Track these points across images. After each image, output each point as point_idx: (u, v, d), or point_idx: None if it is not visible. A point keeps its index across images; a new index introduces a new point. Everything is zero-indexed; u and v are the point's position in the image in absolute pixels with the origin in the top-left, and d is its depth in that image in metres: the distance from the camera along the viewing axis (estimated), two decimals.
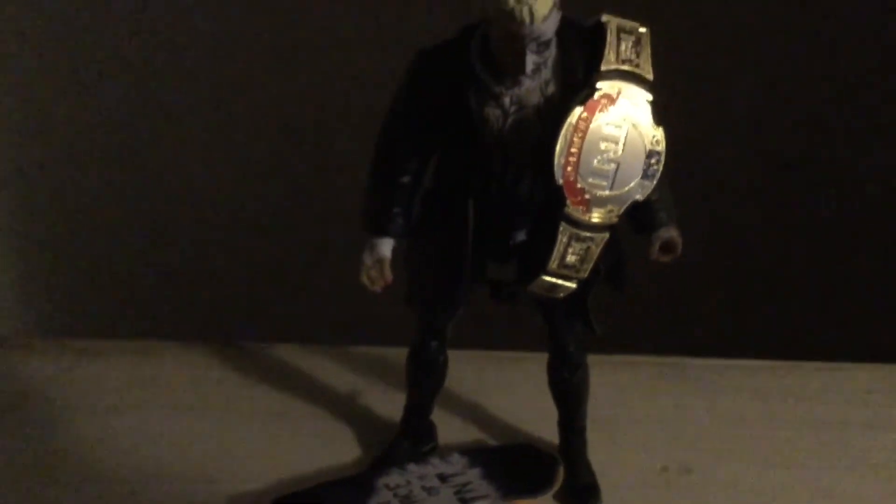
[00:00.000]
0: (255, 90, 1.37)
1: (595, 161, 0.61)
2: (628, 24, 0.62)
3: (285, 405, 0.85)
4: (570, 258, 0.64)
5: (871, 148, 1.42)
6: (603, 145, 0.61)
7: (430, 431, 0.79)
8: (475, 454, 0.78)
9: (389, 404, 0.83)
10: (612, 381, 0.88)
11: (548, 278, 0.64)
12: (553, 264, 0.64)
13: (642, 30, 0.62)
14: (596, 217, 0.63)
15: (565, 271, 0.64)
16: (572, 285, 0.65)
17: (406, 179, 0.65)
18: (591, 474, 0.77)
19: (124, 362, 0.90)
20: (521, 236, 0.67)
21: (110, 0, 1.36)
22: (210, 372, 0.89)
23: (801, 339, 1.12)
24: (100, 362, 0.90)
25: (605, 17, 0.62)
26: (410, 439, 0.78)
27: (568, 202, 0.62)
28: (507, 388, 0.87)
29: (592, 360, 0.77)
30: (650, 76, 0.61)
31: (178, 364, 0.89)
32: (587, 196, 0.62)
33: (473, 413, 0.85)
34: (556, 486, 0.76)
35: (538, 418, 0.81)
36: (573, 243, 0.63)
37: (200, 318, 1.35)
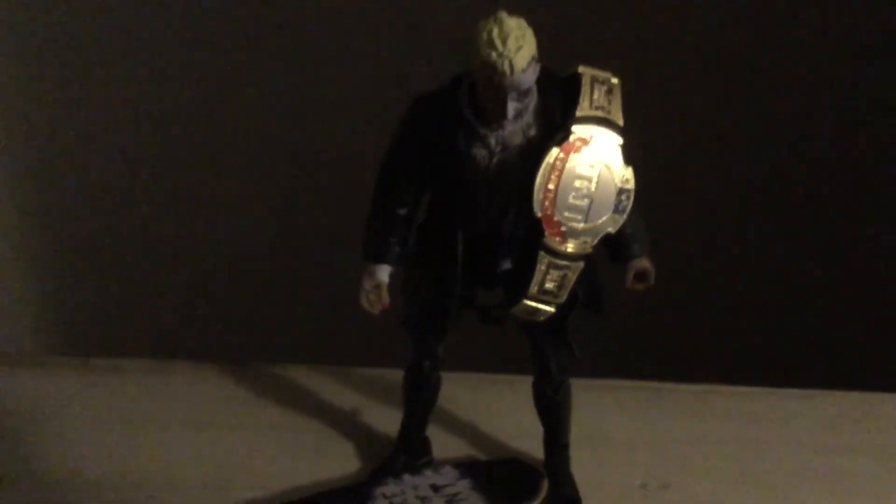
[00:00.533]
0: (267, 108, 1.42)
1: (570, 197, 0.68)
2: (602, 74, 0.69)
3: (291, 421, 0.91)
4: (549, 284, 0.70)
5: (846, 182, 1.49)
6: (577, 183, 0.68)
7: (425, 446, 0.86)
8: (466, 467, 0.84)
9: (388, 421, 0.89)
10: (596, 403, 0.94)
11: (529, 303, 0.71)
12: (533, 290, 0.70)
13: (614, 80, 0.69)
14: (571, 247, 0.70)
15: (544, 297, 0.71)
16: (551, 309, 0.71)
17: (402, 212, 0.72)
18: (574, 488, 0.83)
19: (138, 379, 0.97)
20: (506, 265, 0.73)
21: (111, 8, 1.40)
22: (220, 390, 0.95)
23: (777, 366, 1.18)
24: (115, 378, 0.97)
25: (581, 69, 0.69)
26: (406, 453, 0.84)
27: (546, 234, 0.69)
28: (497, 408, 0.93)
29: (577, 383, 0.83)
30: (620, 122, 0.68)
31: (189, 381, 0.96)
32: (563, 228, 0.69)
33: (466, 430, 0.91)
34: (541, 498, 0.82)
35: (525, 436, 0.87)
36: (551, 271, 0.70)
37: (210, 338, 1.41)
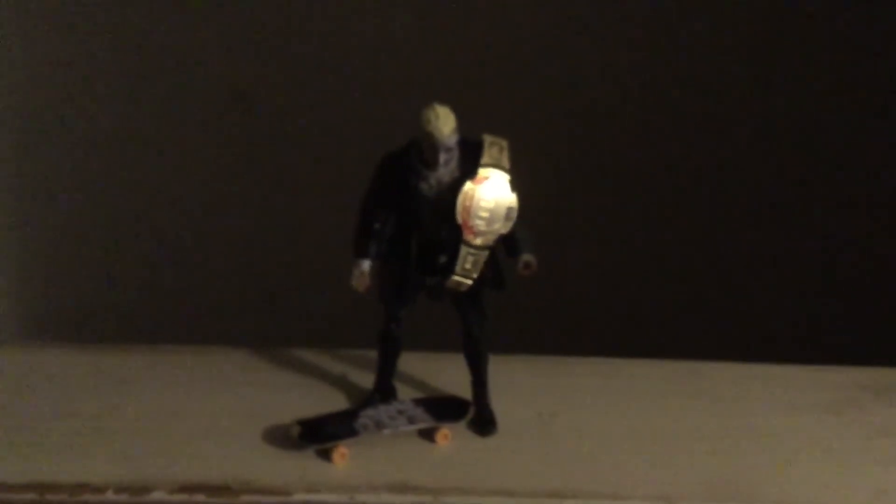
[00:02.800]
0: (265, 100, 1.67)
1: (478, 211, 1.14)
2: (498, 140, 1.15)
3: (296, 380, 1.34)
4: (467, 265, 1.15)
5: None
6: (482, 203, 1.14)
7: (392, 391, 1.29)
8: (420, 400, 1.27)
9: (368, 383, 1.32)
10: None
11: (455, 277, 1.16)
12: (458, 269, 1.15)
13: (504, 142, 1.15)
14: (480, 241, 1.15)
15: (464, 273, 1.15)
16: (469, 282, 1.16)
17: (377, 227, 1.17)
18: (491, 412, 1.26)
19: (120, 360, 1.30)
20: (443, 259, 1.18)
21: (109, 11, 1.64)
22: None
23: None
24: (104, 361, 1.29)
25: (484, 136, 1.15)
26: (380, 392, 1.28)
27: (464, 233, 1.14)
28: (442, 377, 1.36)
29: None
30: (507, 166, 1.14)
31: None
32: (474, 229, 1.14)
33: (421, 387, 1.35)
34: (468, 417, 1.25)
35: (461, 388, 1.31)
36: (468, 256, 1.15)
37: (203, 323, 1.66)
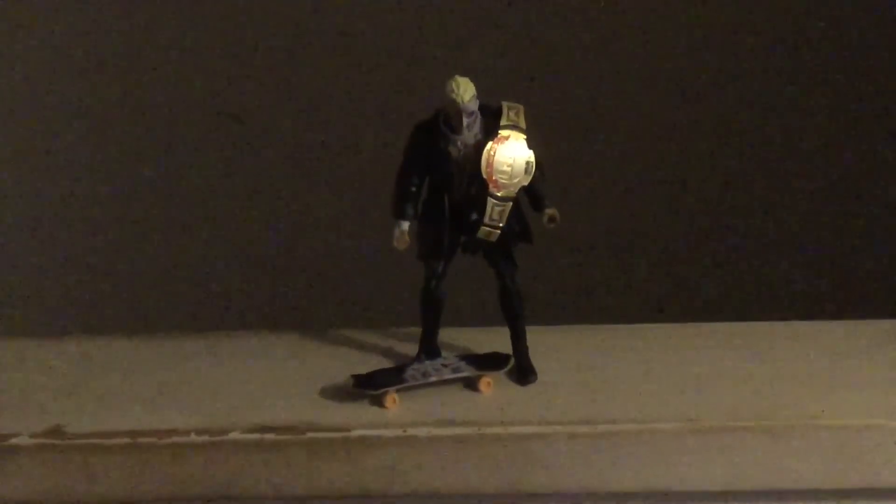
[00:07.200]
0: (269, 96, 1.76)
1: (500, 166, 1.28)
2: (514, 104, 1.30)
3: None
4: (494, 216, 1.29)
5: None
6: (503, 159, 1.28)
7: (437, 351, 1.41)
8: (463, 356, 1.39)
9: (412, 351, 1.43)
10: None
11: (485, 227, 1.30)
12: (486, 219, 1.29)
13: (520, 106, 1.30)
14: (503, 193, 1.29)
15: (492, 223, 1.29)
16: (497, 231, 1.29)
17: (413, 189, 1.31)
18: (531, 363, 1.37)
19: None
20: (474, 216, 1.32)
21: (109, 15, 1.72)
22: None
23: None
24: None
25: (503, 103, 1.31)
26: (425, 352, 1.40)
27: (490, 186, 1.28)
28: (484, 348, 1.47)
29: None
30: (524, 127, 1.29)
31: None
32: (498, 183, 1.29)
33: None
34: (509, 367, 1.37)
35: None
36: (494, 208, 1.28)
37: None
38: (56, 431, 1.20)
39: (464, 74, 1.28)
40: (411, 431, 1.25)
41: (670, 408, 1.28)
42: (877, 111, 2.05)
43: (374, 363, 1.40)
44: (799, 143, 2.04)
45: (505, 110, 1.30)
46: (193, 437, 1.23)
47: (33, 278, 1.93)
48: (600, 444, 1.24)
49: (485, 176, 1.28)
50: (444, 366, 1.36)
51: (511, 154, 1.29)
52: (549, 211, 1.31)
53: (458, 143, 1.30)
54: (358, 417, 1.28)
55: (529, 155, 1.29)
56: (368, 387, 1.31)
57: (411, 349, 1.41)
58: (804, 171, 2.04)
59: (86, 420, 1.23)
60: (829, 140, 2.05)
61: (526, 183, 1.30)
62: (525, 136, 1.29)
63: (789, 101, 2.07)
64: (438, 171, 1.31)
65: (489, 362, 1.36)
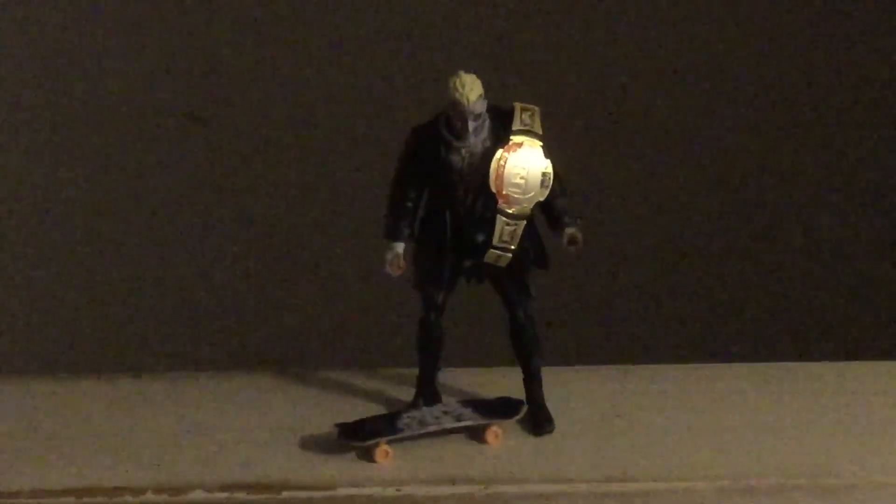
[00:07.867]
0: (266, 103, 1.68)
1: (512, 178, 1.10)
2: (528, 106, 1.12)
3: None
4: (505, 236, 1.10)
5: None
6: (516, 170, 1.10)
7: (437, 395, 1.22)
8: (468, 401, 1.19)
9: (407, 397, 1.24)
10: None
11: (493, 251, 1.11)
12: (495, 240, 1.10)
13: (535, 108, 1.12)
14: (515, 210, 1.10)
15: (502, 245, 1.10)
16: (508, 255, 1.11)
17: (409, 205, 1.13)
18: (547, 411, 1.17)
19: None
20: (480, 238, 1.13)
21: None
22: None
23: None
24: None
25: (514, 103, 1.12)
26: (423, 396, 1.20)
27: (499, 202, 1.10)
28: (489, 385, 1.29)
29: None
30: (540, 132, 1.11)
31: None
32: (509, 198, 1.10)
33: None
34: (521, 414, 1.17)
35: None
36: (504, 227, 1.10)
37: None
38: None
39: (469, 70, 1.10)
40: (406, 490, 1.08)
41: (710, 463, 1.12)
42: None
43: (363, 410, 1.22)
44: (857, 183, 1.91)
45: (518, 112, 1.11)
46: (150, 497, 1.08)
47: None
48: None
49: (494, 189, 1.10)
50: (445, 413, 1.17)
51: (525, 164, 1.10)
52: (570, 231, 1.12)
53: (463, 150, 1.11)
54: (344, 473, 1.11)
55: (546, 165, 1.11)
56: (356, 437, 1.12)
57: (406, 393, 1.23)
58: (860, 211, 1.90)
59: (25, 476, 1.12)
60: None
61: (542, 198, 1.11)
62: (541, 144, 1.11)
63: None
64: (439, 184, 1.13)
65: (498, 409, 1.18)
